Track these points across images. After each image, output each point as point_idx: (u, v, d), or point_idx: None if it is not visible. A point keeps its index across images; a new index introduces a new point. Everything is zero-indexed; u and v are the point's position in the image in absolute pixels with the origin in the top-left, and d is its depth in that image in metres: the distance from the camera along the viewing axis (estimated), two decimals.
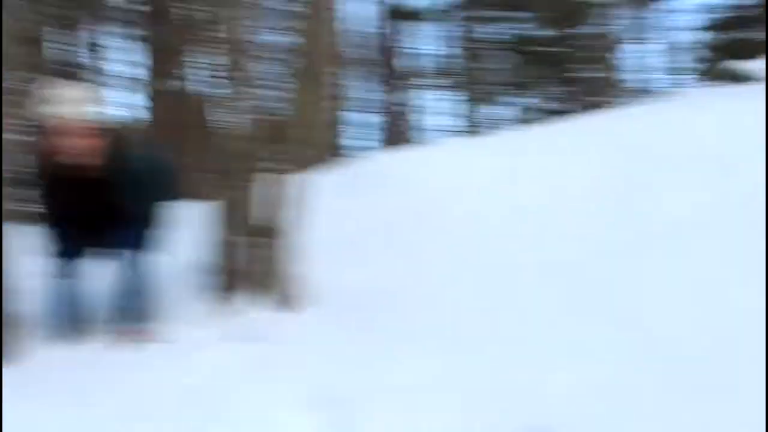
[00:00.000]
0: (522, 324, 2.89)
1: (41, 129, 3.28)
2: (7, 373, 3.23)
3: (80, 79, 3.58)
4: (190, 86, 11.08)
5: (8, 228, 3.45)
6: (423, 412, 2.39)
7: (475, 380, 2.49)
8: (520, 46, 20.31)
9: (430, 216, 4.29)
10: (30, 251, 3.47)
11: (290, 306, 3.66)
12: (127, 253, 3.47)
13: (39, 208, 3.50)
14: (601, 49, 13.92)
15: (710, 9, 15.07)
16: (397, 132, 13.20)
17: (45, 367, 3.22)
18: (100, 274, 3.69)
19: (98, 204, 3.39)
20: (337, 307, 3.54)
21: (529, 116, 19.29)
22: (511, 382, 2.45)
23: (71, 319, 3.53)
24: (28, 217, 3.57)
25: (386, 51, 13.51)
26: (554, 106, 20.62)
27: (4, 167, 3.32)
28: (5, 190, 3.30)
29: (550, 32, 20.07)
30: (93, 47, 11.79)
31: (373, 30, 16.08)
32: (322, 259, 3.91)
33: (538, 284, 3.22)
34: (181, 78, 10.92)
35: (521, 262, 3.50)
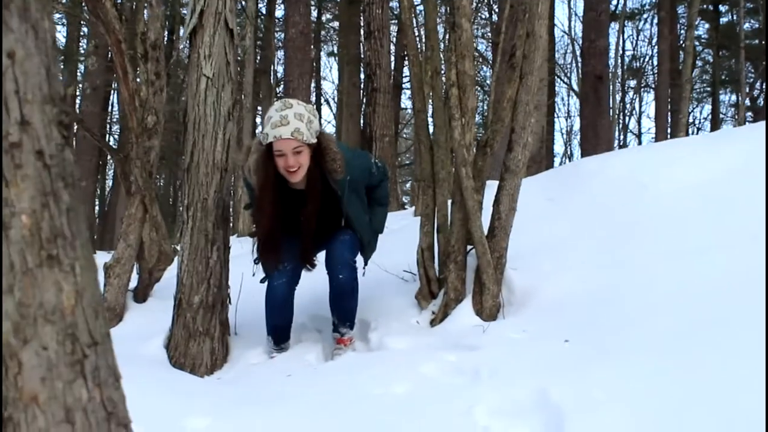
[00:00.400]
0: (741, 340, 2.63)
1: (261, 147, 3.40)
2: (215, 379, 3.43)
3: (295, 98, 3.65)
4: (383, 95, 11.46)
5: (227, 239, 3.69)
6: (634, 426, 2.27)
7: (691, 397, 2.32)
8: (725, 41, 19.16)
9: (637, 221, 4.08)
10: (241, 260, 3.65)
11: (494, 314, 3.61)
12: (338, 261, 3.53)
13: (256, 220, 3.61)
14: None
15: None
16: (602, 135, 12.78)
17: (252, 372, 3.36)
18: (310, 281, 3.83)
19: (313, 214, 3.49)
20: (541, 316, 3.42)
21: (737, 114, 18.07)
22: (731, 401, 2.25)
23: (282, 326, 3.63)
24: (241, 229, 3.78)
25: (588, 52, 13.14)
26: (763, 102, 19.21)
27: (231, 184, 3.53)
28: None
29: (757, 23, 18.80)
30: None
31: (573, 31, 15.83)
32: (526, 266, 3.85)
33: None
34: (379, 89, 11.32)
35: (741, 270, 3.23)
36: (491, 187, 3.77)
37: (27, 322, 0.94)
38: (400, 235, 5.37)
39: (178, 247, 3.78)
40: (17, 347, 0.94)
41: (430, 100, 3.92)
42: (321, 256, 3.68)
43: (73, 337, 0.99)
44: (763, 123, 5.23)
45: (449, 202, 3.81)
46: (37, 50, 0.94)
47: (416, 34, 3.98)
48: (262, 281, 3.60)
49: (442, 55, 3.86)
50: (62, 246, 0.96)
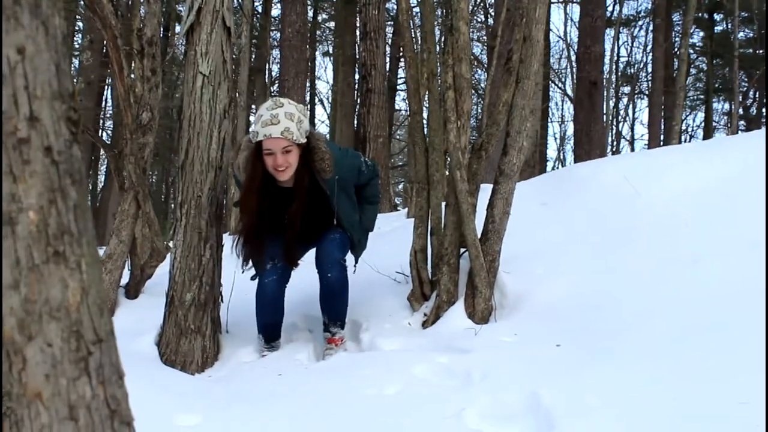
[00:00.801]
0: (734, 347, 2.65)
1: (251, 145, 3.39)
2: (206, 377, 3.39)
3: (286, 97, 3.66)
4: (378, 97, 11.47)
5: (220, 236, 3.67)
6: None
7: (684, 403, 2.33)
8: (719, 49, 19.26)
9: (631, 227, 4.10)
10: (233, 259, 3.64)
11: (486, 317, 3.61)
12: (328, 260, 3.51)
13: (244, 218, 3.56)
14: None
15: None
16: (595, 141, 12.82)
17: (243, 371, 3.33)
18: (301, 281, 3.82)
19: (298, 213, 3.47)
20: (533, 320, 3.43)
21: (730, 122, 18.17)
22: (724, 408, 2.26)
23: (272, 324, 3.62)
24: (233, 227, 3.76)
25: (583, 58, 13.18)
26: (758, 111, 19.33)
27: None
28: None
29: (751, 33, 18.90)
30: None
31: (568, 36, 15.89)
32: (519, 269, 3.86)
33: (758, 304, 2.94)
34: (373, 89, 11.32)
35: (735, 278, 3.25)
36: (485, 190, 3.78)
37: (32, 318, 0.94)
38: (393, 236, 5.38)
39: (171, 244, 3.76)
40: (22, 343, 0.94)
41: (426, 103, 3.93)
42: (309, 256, 3.67)
43: (77, 334, 0.99)
44: (756, 132, 5.28)
45: (443, 204, 3.81)
46: (47, 46, 0.94)
47: (413, 36, 3.98)
48: (252, 278, 3.59)
49: (438, 58, 3.86)
50: (69, 243, 0.96)
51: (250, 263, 3.57)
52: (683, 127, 21.25)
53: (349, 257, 3.67)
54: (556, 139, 26.38)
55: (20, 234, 0.92)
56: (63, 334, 0.96)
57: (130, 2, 5.23)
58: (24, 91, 0.92)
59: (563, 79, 24.06)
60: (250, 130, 3.40)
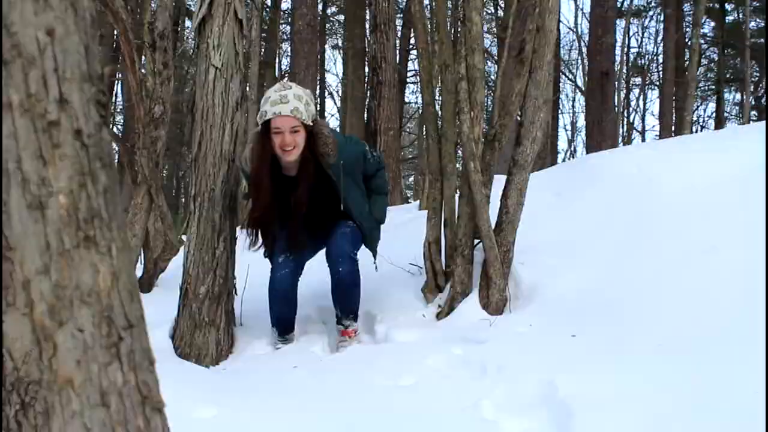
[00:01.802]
0: (749, 338, 2.62)
1: (259, 130, 3.40)
2: (221, 370, 3.40)
3: (294, 82, 3.66)
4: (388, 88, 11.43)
5: (233, 229, 3.67)
6: (640, 422, 2.26)
7: (699, 393, 2.31)
8: (730, 39, 19.13)
9: (645, 217, 4.07)
10: (245, 251, 3.60)
11: (501, 308, 3.60)
12: (338, 254, 3.50)
13: (253, 198, 3.56)
14: None
15: None
16: (607, 132, 12.77)
17: (258, 363, 3.34)
18: (314, 273, 3.80)
19: (303, 197, 3.46)
20: (548, 310, 3.41)
21: (741, 112, 18.05)
22: (740, 398, 2.24)
23: (286, 317, 3.62)
24: (244, 219, 3.75)
25: (595, 49, 13.12)
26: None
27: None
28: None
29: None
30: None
31: (579, 27, 15.81)
32: (533, 260, 3.84)
33: None
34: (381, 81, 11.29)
35: (752, 269, 3.21)
36: (498, 181, 3.76)
37: (63, 303, 0.93)
38: (406, 228, 5.36)
39: (184, 238, 3.76)
40: (52, 329, 0.93)
41: (438, 94, 3.91)
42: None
43: (108, 319, 0.98)
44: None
45: (456, 195, 3.80)
46: (76, 28, 0.93)
47: (425, 27, 3.96)
48: (265, 255, 3.59)
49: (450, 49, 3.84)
50: (99, 227, 0.95)
51: (258, 244, 3.56)
52: (694, 118, 21.12)
53: (366, 253, 3.66)
54: (566, 130, 26.29)
55: (50, 218, 0.92)
56: (94, 320, 0.95)
57: None
58: (53, 73, 0.91)
59: (573, 71, 23.98)
60: (259, 114, 3.39)
